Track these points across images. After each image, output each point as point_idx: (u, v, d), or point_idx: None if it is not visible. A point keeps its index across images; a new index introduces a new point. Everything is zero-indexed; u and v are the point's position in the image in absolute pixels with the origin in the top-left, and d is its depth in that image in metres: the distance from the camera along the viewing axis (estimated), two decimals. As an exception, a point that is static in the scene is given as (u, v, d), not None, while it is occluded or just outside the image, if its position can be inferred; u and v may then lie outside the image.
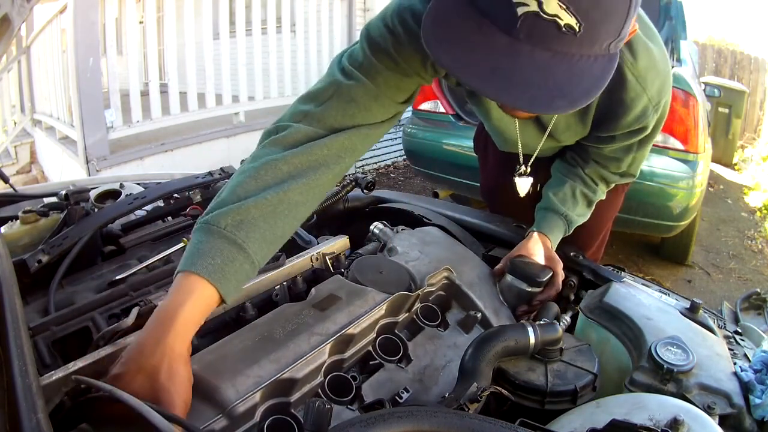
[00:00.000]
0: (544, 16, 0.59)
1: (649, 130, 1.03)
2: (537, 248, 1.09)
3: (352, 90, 0.84)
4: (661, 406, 0.65)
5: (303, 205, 0.80)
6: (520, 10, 0.60)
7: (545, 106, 0.68)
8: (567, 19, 0.59)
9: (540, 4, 0.59)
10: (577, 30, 0.60)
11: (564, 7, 0.58)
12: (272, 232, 0.75)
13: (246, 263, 0.72)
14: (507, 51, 0.63)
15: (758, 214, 4.80)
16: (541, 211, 1.16)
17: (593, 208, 1.20)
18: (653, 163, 2.59)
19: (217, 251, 0.69)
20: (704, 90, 4.19)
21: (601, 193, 1.18)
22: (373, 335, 0.87)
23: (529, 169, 1.22)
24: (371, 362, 0.84)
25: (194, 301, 0.66)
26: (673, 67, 2.68)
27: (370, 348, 0.86)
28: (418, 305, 0.95)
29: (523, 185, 1.21)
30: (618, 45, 0.66)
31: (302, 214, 0.81)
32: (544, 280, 1.02)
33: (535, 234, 1.11)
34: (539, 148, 1.17)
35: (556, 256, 1.09)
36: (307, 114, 0.84)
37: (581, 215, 1.17)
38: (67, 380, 0.65)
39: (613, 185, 1.21)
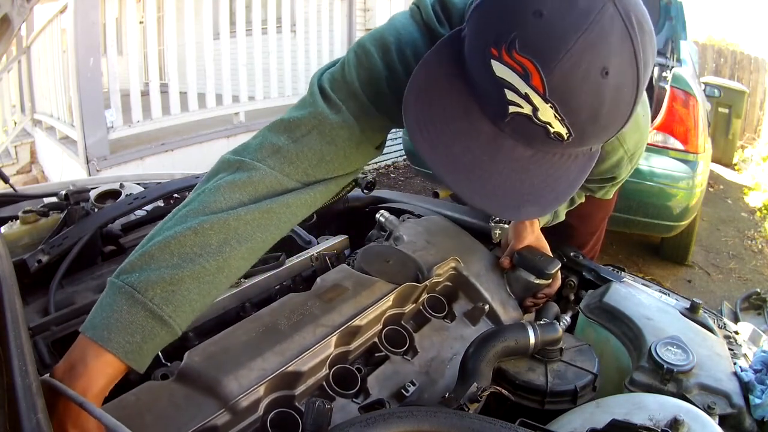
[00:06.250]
0: (536, 120, 0.56)
1: (620, 179, 1.03)
2: (535, 229, 1.08)
3: (335, 130, 0.74)
4: (661, 406, 0.65)
5: (242, 269, 0.73)
6: (511, 109, 0.56)
7: (514, 214, 0.67)
8: (558, 128, 0.56)
9: (535, 110, 0.55)
10: (566, 139, 0.57)
11: (559, 118, 0.55)
12: (203, 302, 0.67)
13: (168, 336, 0.64)
14: (489, 144, 0.60)
15: (758, 214, 4.80)
16: None
17: (571, 207, 1.20)
18: (653, 163, 2.59)
19: (138, 327, 0.61)
20: (704, 90, 4.19)
21: (583, 197, 1.18)
22: (379, 327, 0.85)
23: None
24: (377, 354, 0.83)
25: (106, 380, 0.60)
26: (673, 67, 2.70)
27: (376, 339, 0.84)
28: (424, 296, 0.94)
29: (498, 232, 1.18)
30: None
31: (237, 276, 0.73)
32: (552, 272, 1.01)
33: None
34: None
35: (544, 240, 1.09)
36: (279, 150, 0.74)
37: (562, 210, 1.17)
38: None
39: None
